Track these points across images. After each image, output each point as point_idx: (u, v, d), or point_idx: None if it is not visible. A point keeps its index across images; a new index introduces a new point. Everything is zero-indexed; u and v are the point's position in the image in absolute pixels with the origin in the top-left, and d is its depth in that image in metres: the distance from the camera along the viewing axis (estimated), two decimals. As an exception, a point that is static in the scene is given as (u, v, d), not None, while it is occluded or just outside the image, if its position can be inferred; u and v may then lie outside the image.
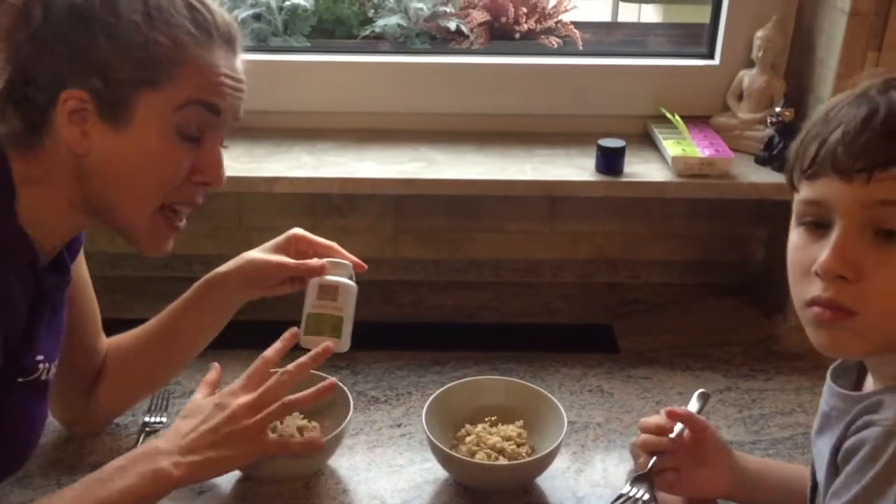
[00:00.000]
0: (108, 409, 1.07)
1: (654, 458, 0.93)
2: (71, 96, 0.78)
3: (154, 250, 0.87)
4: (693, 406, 1.02)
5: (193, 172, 0.84)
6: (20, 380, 0.84)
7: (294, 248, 1.03)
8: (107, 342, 1.05)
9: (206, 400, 0.93)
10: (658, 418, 0.95)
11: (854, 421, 0.70)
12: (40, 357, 0.85)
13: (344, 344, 0.99)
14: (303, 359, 0.95)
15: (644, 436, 0.95)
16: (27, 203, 0.81)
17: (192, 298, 1.03)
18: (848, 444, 0.70)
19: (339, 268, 1.01)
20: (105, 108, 0.79)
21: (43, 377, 0.87)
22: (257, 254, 1.03)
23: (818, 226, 0.69)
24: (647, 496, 0.93)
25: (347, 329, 0.99)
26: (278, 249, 1.03)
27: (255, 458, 0.92)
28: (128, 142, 0.80)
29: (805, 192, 0.70)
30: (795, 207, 0.72)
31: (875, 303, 0.66)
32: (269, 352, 0.96)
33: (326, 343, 0.96)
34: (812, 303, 0.69)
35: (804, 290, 0.70)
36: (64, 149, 0.80)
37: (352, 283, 1.02)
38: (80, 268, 0.99)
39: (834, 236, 0.67)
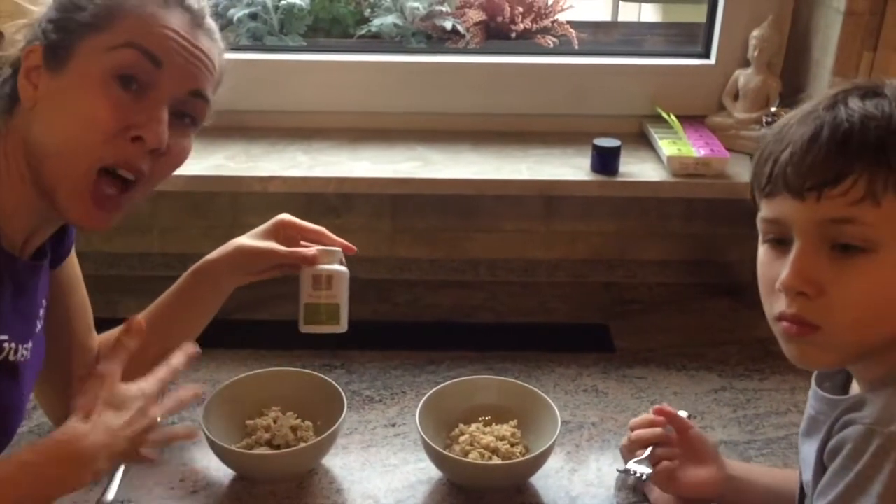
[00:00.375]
0: None
1: (650, 448, 0.95)
2: (31, 51, 0.81)
3: (85, 218, 0.82)
4: None
5: (130, 127, 0.80)
6: None
7: (282, 233, 1.03)
8: (98, 339, 1.05)
9: (134, 391, 0.82)
10: (646, 416, 0.97)
11: (837, 420, 0.71)
12: (4, 337, 0.83)
13: (342, 326, 1.02)
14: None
15: (637, 431, 0.96)
16: None
17: (181, 288, 1.03)
18: (832, 443, 0.70)
19: (330, 255, 1.02)
20: (50, 57, 0.80)
21: (11, 358, 0.84)
22: (246, 240, 1.02)
23: (780, 242, 0.70)
24: (644, 476, 0.95)
25: (344, 313, 1.02)
26: (267, 235, 1.03)
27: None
28: (63, 83, 0.80)
29: (764, 210, 0.71)
30: (758, 224, 0.73)
31: (837, 316, 0.67)
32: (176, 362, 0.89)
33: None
34: (780, 318, 0.70)
35: (772, 305, 0.71)
36: (21, 121, 0.81)
37: (343, 268, 1.03)
38: (71, 265, 0.99)
39: (792, 254, 0.68)
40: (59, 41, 0.80)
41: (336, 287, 1.01)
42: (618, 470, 1.00)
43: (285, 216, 1.05)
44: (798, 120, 0.69)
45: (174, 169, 0.88)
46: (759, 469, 0.98)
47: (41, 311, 0.92)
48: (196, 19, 0.84)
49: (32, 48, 0.81)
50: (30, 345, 0.89)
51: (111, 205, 0.83)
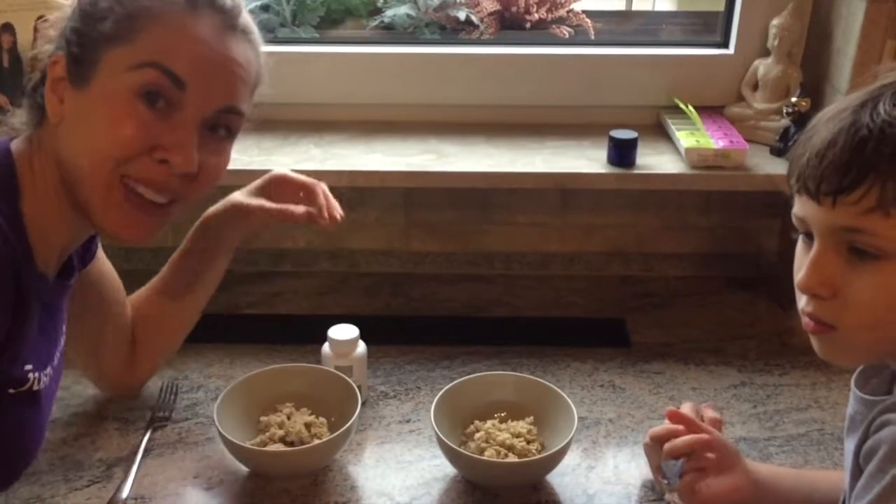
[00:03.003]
0: (148, 367, 1.11)
1: (682, 460, 0.91)
2: (55, 61, 0.78)
3: (123, 232, 0.81)
4: None
5: (156, 148, 0.78)
6: (11, 391, 0.80)
7: (275, 189, 1.06)
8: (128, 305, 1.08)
9: None
10: (667, 426, 0.93)
11: (873, 421, 0.71)
12: (28, 366, 0.81)
13: (362, 399, 1.09)
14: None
15: (668, 444, 0.91)
16: (31, 205, 0.80)
17: (189, 245, 1.07)
18: (867, 445, 0.70)
19: (348, 345, 1.09)
20: (74, 70, 0.78)
21: (35, 387, 0.83)
22: (240, 197, 1.06)
23: (809, 237, 0.71)
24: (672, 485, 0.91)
25: (364, 388, 1.12)
26: (259, 192, 1.06)
27: None
28: (87, 100, 0.77)
29: (795, 205, 0.71)
30: (792, 217, 0.73)
31: (850, 318, 0.68)
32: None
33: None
34: (802, 312, 0.71)
35: (799, 297, 0.72)
36: (49, 135, 0.80)
37: (362, 350, 1.11)
38: (99, 261, 1.00)
39: (810, 255, 0.69)
40: (81, 54, 0.77)
41: (357, 373, 1.09)
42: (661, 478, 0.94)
43: (278, 172, 1.07)
44: (828, 117, 0.68)
45: (211, 186, 0.85)
46: (782, 470, 0.96)
47: (62, 338, 0.91)
48: (228, 20, 0.79)
49: (56, 58, 0.78)
50: (49, 371, 0.87)
51: (151, 210, 0.81)
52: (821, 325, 0.69)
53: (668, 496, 0.93)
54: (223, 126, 0.83)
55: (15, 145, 0.82)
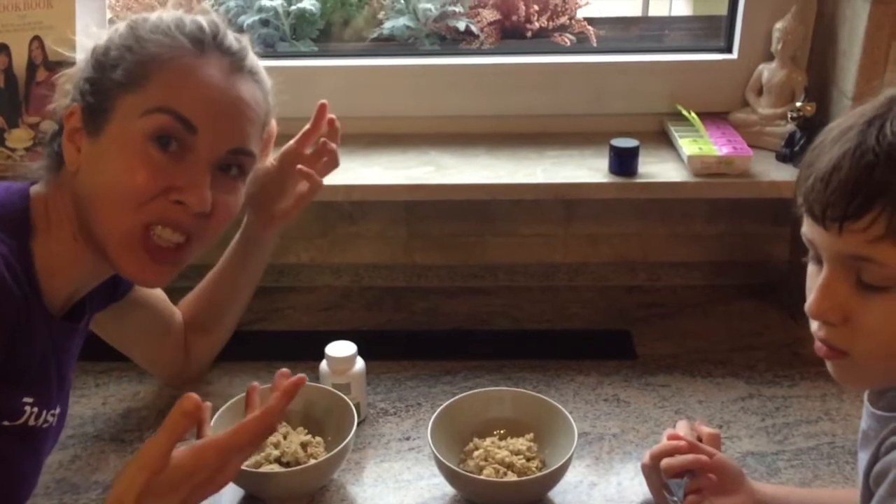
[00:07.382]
0: (204, 358, 1.17)
1: (685, 478, 0.89)
2: (71, 112, 0.80)
3: (140, 277, 0.84)
4: None
5: (171, 190, 0.80)
6: (6, 423, 0.78)
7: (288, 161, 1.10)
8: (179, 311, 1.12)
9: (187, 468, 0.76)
10: (667, 444, 0.91)
11: (884, 441, 0.69)
12: (28, 399, 0.80)
13: (361, 416, 1.10)
14: (272, 402, 0.81)
15: (665, 460, 0.89)
16: (41, 244, 0.80)
17: (232, 254, 1.14)
18: (878, 467, 0.68)
19: (346, 361, 1.08)
20: (89, 119, 0.79)
21: (30, 423, 0.80)
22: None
23: (819, 261, 0.68)
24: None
25: (363, 406, 1.11)
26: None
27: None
28: (102, 148, 0.79)
29: (803, 226, 0.69)
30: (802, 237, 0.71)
31: (863, 345, 0.66)
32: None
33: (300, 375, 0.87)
34: (815, 336, 0.70)
35: (811, 321, 0.70)
36: (67, 178, 0.81)
37: (360, 367, 1.09)
38: (135, 289, 1.03)
39: (819, 280, 0.67)
40: (96, 103, 0.79)
41: (355, 391, 1.08)
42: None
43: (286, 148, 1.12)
44: (833, 137, 0.65)
45: (225, 225, 0.86)
46: (788, 490, 0.93)
47: (71, 375, 0.91)
48: (236, 62, 0.82)
49: (72, 109, 0.80)
50: (52, 411, 0.85)
51: (164, 258, 0.82)
52: (833, 350, 0.68)
53: None
54: (235, 165, 0.84)
55: (34, 189, 0.84)
